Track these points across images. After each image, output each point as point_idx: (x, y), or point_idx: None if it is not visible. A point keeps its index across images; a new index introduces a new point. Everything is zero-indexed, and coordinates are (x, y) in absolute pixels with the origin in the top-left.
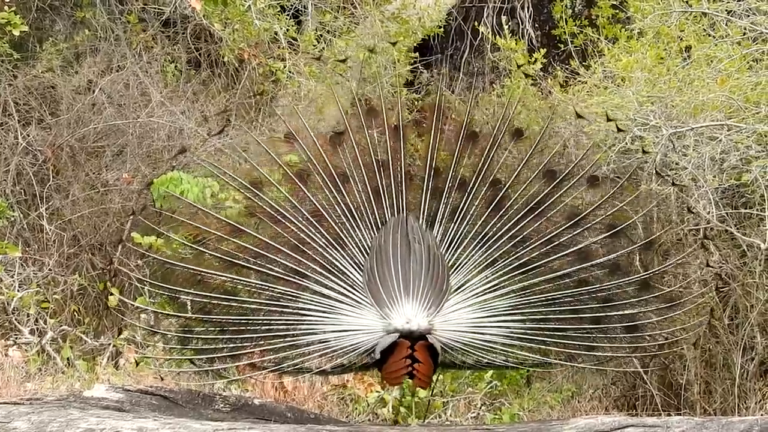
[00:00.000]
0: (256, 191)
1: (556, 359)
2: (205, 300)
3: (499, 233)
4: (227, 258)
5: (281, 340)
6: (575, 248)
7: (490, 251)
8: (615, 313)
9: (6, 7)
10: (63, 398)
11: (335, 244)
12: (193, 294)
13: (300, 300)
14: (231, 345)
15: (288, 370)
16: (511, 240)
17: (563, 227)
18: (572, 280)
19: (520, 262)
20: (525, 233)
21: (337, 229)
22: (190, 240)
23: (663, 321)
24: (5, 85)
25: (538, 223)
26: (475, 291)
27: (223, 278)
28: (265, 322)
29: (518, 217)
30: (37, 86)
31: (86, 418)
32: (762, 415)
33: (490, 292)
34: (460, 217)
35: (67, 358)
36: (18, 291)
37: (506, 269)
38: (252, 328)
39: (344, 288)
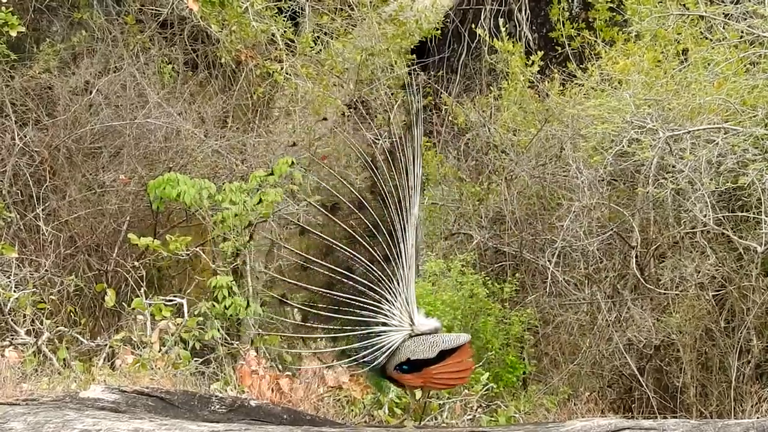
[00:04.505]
0: (375, 168)
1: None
2: (331, 274)
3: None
4: (352, 232)
5: (363, 327)
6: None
7: None
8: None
9: (3, 8)
10: (59, 399)
11: (403, 235)
12: (322, 266)
13: (384, 287)
14: (337, 326)
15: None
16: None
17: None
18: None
19: None
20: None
21: (405, 220)
22: (326, 208)
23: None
24: (2, 86)
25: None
26: None
27: (348, 253)
28: (364, 305)
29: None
30: (34, 87)
31: (82, 419)
32: (758, 417)
33: None
34: None
35: (63, 359)
36: (14, 292)
37: None
38: (354, 309)
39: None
